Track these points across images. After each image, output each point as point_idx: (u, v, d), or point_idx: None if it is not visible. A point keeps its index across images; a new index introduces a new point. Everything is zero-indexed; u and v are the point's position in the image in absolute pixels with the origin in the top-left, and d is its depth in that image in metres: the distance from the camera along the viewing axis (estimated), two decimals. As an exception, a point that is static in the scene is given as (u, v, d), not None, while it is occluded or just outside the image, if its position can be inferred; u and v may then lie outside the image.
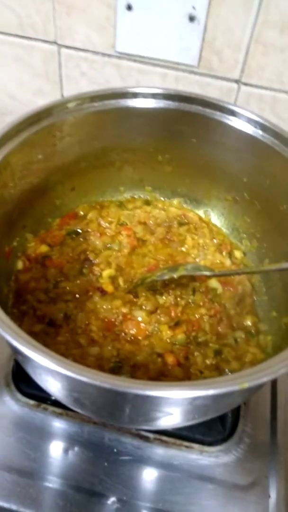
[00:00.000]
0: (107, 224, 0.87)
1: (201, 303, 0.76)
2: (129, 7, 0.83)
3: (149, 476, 0.67)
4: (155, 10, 0.82)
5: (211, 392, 0.43)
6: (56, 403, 0.71)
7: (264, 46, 0.81)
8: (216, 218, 0.92)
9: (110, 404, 0.52)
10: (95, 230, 0.85)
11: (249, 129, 0.73)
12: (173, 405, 0.50)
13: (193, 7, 0.80)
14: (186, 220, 0.90)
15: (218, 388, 0.43)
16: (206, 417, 0.60)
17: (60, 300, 0.73)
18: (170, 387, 0.43)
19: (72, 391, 0.52)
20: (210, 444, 0.70)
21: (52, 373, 0.46)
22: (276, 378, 0.46)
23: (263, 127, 0.71)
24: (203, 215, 0.92)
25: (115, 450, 0.68)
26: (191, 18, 0.81)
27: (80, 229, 0.85)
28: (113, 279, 0.78)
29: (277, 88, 0.86)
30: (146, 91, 0.75)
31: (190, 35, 0.83)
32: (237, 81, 0.87)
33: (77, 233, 0.84)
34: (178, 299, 0.76)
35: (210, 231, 0.88)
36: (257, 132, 0.72)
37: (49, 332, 0.69)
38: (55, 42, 0.93)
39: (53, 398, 0.71)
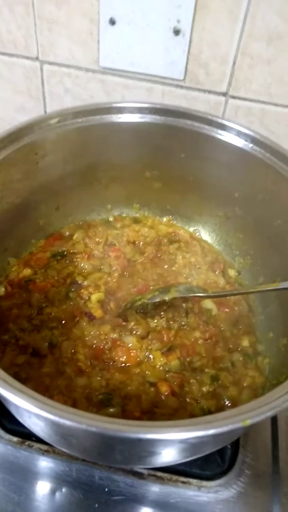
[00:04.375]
0: (94, 245, 0.83)
1: (195, 326, 0.72)
2: (112, 22, 0.81)
3: (144, 517, 0.62)
4: (139, 24, 0.80)
5: (211, 432, 0.39)
6: (42, 440, 0.66)
7: (251, 58, 0.79)
8: (207, 235, 0.88)
9: (99, 445, 0.48)
10: (82, 251, 0.81)
11: (239, 142, 0.70)
12: (169, 446, 0.45)
13: (178, 21, 0.78)
14: (176, 238, 0.87)
15: (218, 427, 0.39)
16: (203, 453, 0.55)
17: (44, 327, 0.69)
18: (166, 429, 0.38)
19: (57, 432, 0.47)
20: (208, 478, 0.65)
21: (34, 414, 0.42)
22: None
23: (254, 140, 0.69)
24: (194, 232, 0.89)
25: (106, 489, 0.63)
26: (176, 32, 0.79)
27: (66, 251, 0.81)
28: (102, 303, 0.73)
29: (266, 100, 0.84)
30: (131, 105, 0.72)
31: (175, 48, 0.81)
32: (224, 94, 0.85)
33: (63, 255, 0.80)
34: (171, 322, 0.72)
35: (201, 248, 0.85)
36: (248, 146, 0.70)
37: (33, 363, 0.64)
38: (37, 58, 0.90)
39: (38, 434, 0.65)
